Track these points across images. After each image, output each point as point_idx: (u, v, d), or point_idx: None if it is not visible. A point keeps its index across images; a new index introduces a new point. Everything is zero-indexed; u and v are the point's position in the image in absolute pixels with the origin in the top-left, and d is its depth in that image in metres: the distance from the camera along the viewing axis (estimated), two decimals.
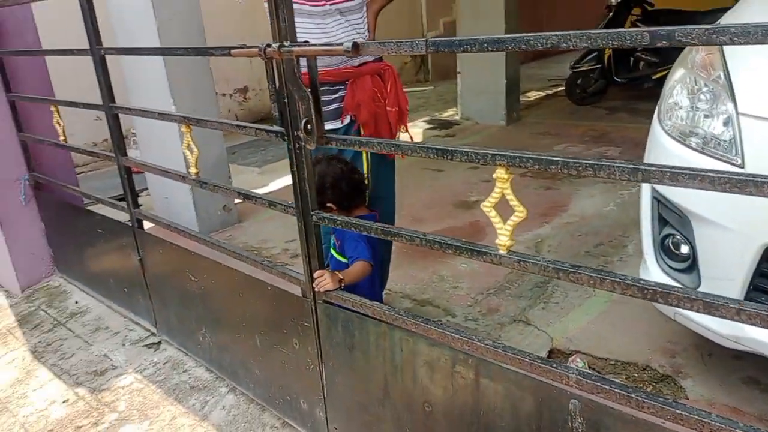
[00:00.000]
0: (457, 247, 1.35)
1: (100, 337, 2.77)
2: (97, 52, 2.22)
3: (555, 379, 1.24)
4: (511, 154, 1.20)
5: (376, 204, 2.29)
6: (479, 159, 1.25)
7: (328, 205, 1.96)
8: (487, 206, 1.28)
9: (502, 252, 1.27)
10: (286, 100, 1.57)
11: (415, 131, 6.10)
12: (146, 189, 4.17)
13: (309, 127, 1.52)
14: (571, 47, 1.06)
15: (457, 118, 6.60)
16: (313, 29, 2.10)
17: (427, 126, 6.48)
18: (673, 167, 0.98)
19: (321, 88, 2.11)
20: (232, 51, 1.61)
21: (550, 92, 7.99)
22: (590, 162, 1.08)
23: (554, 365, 1.24)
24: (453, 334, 1.40)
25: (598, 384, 1.16)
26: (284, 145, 1.63)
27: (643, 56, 6.33)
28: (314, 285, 1.70)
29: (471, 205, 3.94)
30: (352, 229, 1.57)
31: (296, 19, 2.03)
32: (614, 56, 6.30)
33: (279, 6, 1.48)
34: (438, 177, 4.54)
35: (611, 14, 6.33)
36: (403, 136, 2.33)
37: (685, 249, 1.76)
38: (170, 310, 2.53)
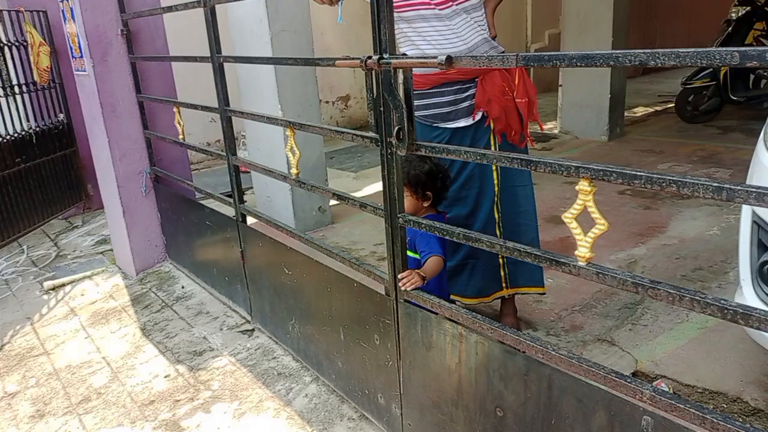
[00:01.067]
0: (536, 256, 1.38)
1: (201, 320, 3.01)
2: (217, 59, 2.45)
3: (629, 394, 1.24)
4: (595, 167, 1.22)
5: (515, 207, 2.38)
6: (563, 170, 1.28)
7: (428, 193, 2.12)
8: (568, 217, 1.31)
9: (581, 263, 1.29)
10: (381, 109, 1.67)
11: None
12: (252, 187, 4.46)
13: (401, 134, 1.61)
14: (659, 65, 1.07)
15: (556, 131, 6.48)
16: (443, 31, 2.18)
17: None
18: (759, 187, 0.96)
19: (454, 87, 2.25)
20: (337, 62, 1.73)
21: (658, 108, 7.65)
22: (674, 178, 1.08)
23: (628, 380, 1.24)
24: (528, 342, 1.43)
25: (673, 402, 1.15)
26: (379, 152, 1.73)
27: (765, 74, 5.90)
28: (401, 284, 1.76)
29: (562, 220, 3.87)
30: (435, 232, 1.64)
31: (426, 24, 2.16)
32: (731, 73, 5.92)
33: (381, 21, 1.58)
34: None
35: (730, 29, 5.96)
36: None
37: None
38: (264, 300, 2.71)
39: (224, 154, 2.67)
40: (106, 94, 3.21)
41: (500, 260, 2.45)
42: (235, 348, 2.71)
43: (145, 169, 3.46)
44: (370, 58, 1.61)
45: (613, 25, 5.69)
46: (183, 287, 3.40)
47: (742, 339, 2.25)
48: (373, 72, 1.64)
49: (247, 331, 2.85)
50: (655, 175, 1.12)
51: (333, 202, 4.15)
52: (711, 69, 5.94)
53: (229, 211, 2.82)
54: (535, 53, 1.26)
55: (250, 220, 2.74)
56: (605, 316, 2.63)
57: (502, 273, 2.47)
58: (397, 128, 1.61)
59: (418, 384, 1.83)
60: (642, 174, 1.14)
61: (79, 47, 3.17)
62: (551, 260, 1.35)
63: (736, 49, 0.93)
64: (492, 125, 2.29)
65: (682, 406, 1.14)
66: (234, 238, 2.79)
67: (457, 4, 2.17)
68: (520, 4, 9.61)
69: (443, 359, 1.70)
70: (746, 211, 1.86)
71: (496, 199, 2.36)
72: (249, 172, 4.29)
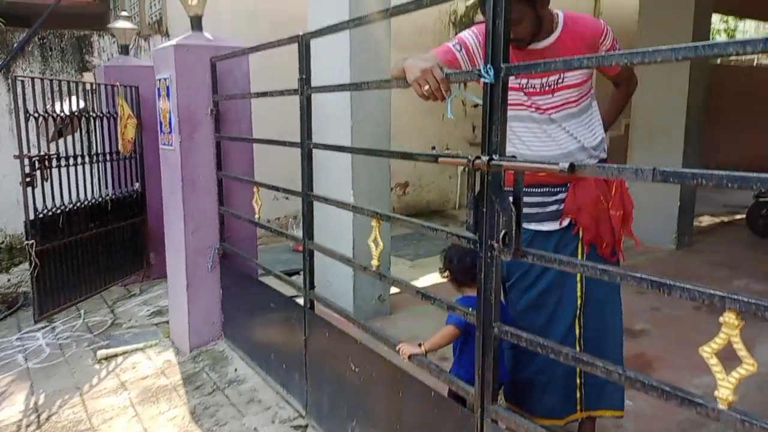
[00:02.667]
0: (663, 391, 1.23)
1: (253, 409, 2.87)
2: (307, 145, 2.46)
3: None
4: (745, 299, 1.09)
5: (600, 323, 2.23)
6: (704, 299, 1.16)
7: (446, 272, 2.18)
8: (707, 352, 1.17)
9: (721, 407, 1.14)
10: (484, 210, 1.59)
11: None
12: None
13: (507, 239, 1.52)
14: None
15: None
16: (538, 133, 2.10)
17: None
18: None
19: (541, 189, 2.17)
20: (440, 159, 1.69)
21: (725, 219, 7.39)
22: None
23: None
24: None
25: None
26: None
27: None
28: (398, 351, 1.99)
29: (636, 334, 3.64)
30: (538, 349, 1.50)
31: (521, 124, 2.12)
32: None
33: (493, 122, 1.54)
34: None
35: None
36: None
37: None
38: (324, 394, 2.57)
39: (299, 237, 2.64)
40: (188, 169, 3.28)
41: (578, 380, 2.25)
42: None
43: (214, 245, 3.46)
44: (478, 158, 1.56)
45: (685, 130, 5.64)
46: (236, 370, 3.29)
47: None
48: (478, 172, 1.59)
49: (300, 427, 2.69)
50: None
51: (393, 290, 4.04)
52: None
53: (291, 292, 2.73)
54: (678, 170, 1.17)
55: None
56: None
57: (578, 394, 2.25)
58: (503, 232, 1.53)
59: None
60: None
61: (170, 123, 3.28)
62: (683, 399, 1.19)
63: None
64: (581, 233, 2.17)
65: None
66: (298, 324, 2.70)
67: (549, 115, 2.10)
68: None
69: None
70: None
71: (578, 312, 2.19)
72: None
